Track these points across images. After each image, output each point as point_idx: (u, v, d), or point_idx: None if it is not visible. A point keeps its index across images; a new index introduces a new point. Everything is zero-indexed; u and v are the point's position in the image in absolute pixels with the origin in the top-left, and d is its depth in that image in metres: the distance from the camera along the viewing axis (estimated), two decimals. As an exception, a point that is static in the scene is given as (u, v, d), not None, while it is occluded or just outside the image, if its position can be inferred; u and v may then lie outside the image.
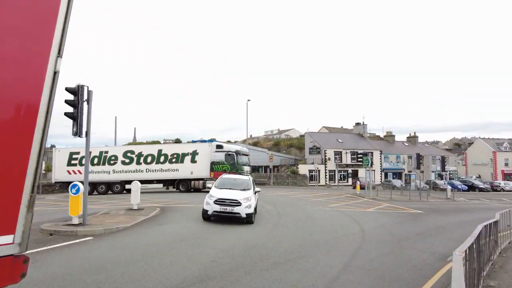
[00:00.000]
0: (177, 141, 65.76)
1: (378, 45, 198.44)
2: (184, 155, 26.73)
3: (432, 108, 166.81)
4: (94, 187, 26.78)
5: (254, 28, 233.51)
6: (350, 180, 51.91)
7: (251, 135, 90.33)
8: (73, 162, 27.95)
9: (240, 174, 23.98)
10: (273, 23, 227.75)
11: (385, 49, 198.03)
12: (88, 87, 10.00)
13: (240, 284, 5.33)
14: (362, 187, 35.89)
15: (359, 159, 50.62)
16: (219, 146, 26.61)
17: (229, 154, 25.80)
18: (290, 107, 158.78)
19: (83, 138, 10.04)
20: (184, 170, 26.40)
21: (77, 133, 9.72)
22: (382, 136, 66.46)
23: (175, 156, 26.84)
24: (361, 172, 49.81)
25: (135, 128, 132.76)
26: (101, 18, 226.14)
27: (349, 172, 53.37)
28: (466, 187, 45.88)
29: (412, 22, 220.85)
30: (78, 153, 28.09)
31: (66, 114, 9.78)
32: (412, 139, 66.29)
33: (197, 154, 26.49)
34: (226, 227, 10.67)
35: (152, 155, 27.06)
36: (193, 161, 26.49)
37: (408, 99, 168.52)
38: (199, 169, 26.18)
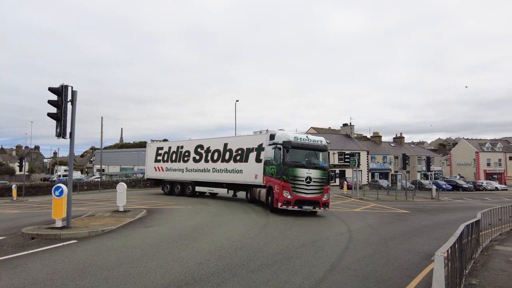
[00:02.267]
0: (165, 141, 64.75)
1: (371, 45, 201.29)
2: (249, 151, 18.85)
3: (419, 109, 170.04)
4: (172, 188, 24.16)
5: (246, 23, 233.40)
6: (337, 180, 52.43)
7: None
8: (158, 158, 25.42)
9: (285, 182, 14.48)
10: (261, 18, 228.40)
11: (377, 47, 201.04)
12: (72, 87, 9.82)
13: (227, 286, 5.29)
14: (349, 187, 36.31)
15: (346, 160, 51.26)
16: (272, 137, 16.84)
17: (278, 148, 15.51)
18: (279, 107, 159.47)
19: (67, 139, 9.84)
20: (248, 172, 18.66)
21: (60, 134, 9.54)
22: (369, 136, 67.39)
23: (239, 152, 19.49)
24: (349, 173, 50.42)
25: (122, 128, 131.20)
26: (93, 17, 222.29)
27: (336, 172, 53.89)
28: (451, 187, 46.96)
29: (404, 19, 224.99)
30: (162, 148, 25.57)
31: (49, 114, 9.57)
32: (399, 139, 67.56)
33: (263, 149, 17.71)
34: (214, 227, 10.61)
35: (218, 151, 20.85)
36: (258, 159, 18.13)
37: (396, 100, 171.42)
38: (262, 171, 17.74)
